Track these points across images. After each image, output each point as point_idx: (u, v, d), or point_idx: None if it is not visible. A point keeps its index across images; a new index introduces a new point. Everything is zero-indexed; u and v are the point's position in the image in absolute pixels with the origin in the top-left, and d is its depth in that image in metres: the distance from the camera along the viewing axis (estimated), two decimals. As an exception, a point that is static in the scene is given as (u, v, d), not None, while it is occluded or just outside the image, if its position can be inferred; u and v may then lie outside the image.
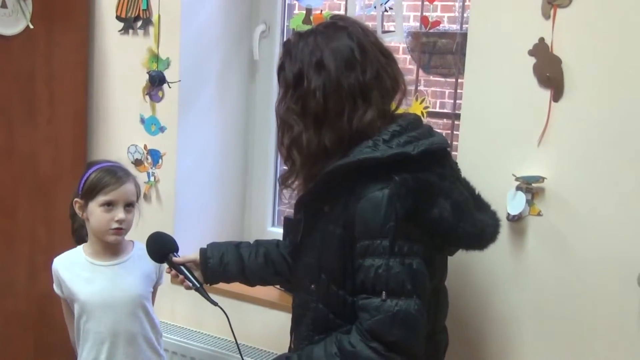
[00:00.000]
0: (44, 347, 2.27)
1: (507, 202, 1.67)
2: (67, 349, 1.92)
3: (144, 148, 2.24)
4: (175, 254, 1.72)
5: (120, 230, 1.75)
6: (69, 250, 1.85)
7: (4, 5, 2.02)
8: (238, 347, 1.65)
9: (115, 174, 1.76)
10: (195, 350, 2.13)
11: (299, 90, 1.40)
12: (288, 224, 1.98)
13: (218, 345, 2.13)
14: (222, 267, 1.69)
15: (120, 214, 1.73)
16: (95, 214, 1.74)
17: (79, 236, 1.85)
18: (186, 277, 1.68)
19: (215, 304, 1.65)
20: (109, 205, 1.73)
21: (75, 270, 1.79)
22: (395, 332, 1.32)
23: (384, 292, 1.32)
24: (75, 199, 1.78)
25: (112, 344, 1.78)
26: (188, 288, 1.70)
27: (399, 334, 1.32)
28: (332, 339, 1.40)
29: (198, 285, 1.68)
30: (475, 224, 1.42)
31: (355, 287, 1.38)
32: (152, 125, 2.22)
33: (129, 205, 1.77)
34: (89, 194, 1.74)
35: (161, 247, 1.72)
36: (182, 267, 1.69)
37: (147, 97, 2.21)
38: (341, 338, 1.38)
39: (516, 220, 1.68)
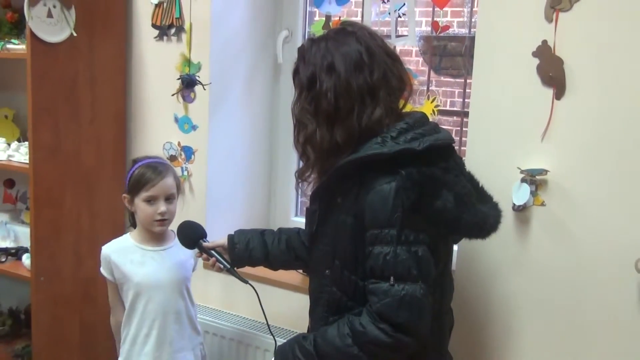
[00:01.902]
0: (88, 326, 2.38)
1: (512, 193, 1.71)
2: (108, 327, 2.01)
3: (178, 145, 2.32)
4: (205, 239, 1.80)
5: (164, 221, 1.86)
6: (116, 239, 1.95)
7: (50, 15, 2.10)
8: (266, 319, 1.72)
9: (156, 169, 1.85)
10: (226, 329, 2.21)
11: (312, 92, 1.44)
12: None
13: (247, 325, 2.22)
14: (248, 253, 1.75)
15: (162, 207, 1.84)
16: (141, 208, 1.85)
17: (134, 221, 1.96)
18: (217, 260, 1.76)
19: (246, 281, 1.72)
20: (151, 200, 1.84)
21: (127, 255, 1.90)
22: (402, 314, 1.35)
23: (392, 277, 1.36)
24: (124, 195, 1.89)
25: (163, 321, 1.89)
26: (219, 270, 1.77)
27: (406, 316, 1.36)
28: (345, 320, 1.44)
29: (229, 267, 1.75)
30: (477, 214, 1.44)
31: (365, 272, 1.42)
32: (185, 124, 2.30)
33: (169, 198, 1.86)
34: (133, 190, 1.85)
35: (192, 234, 1.80)
36: (213, 251, 1.78)
37: (180, 98, 2.28)
38: (353, 319, 1.42)
39: (521, 210, 1.72)
